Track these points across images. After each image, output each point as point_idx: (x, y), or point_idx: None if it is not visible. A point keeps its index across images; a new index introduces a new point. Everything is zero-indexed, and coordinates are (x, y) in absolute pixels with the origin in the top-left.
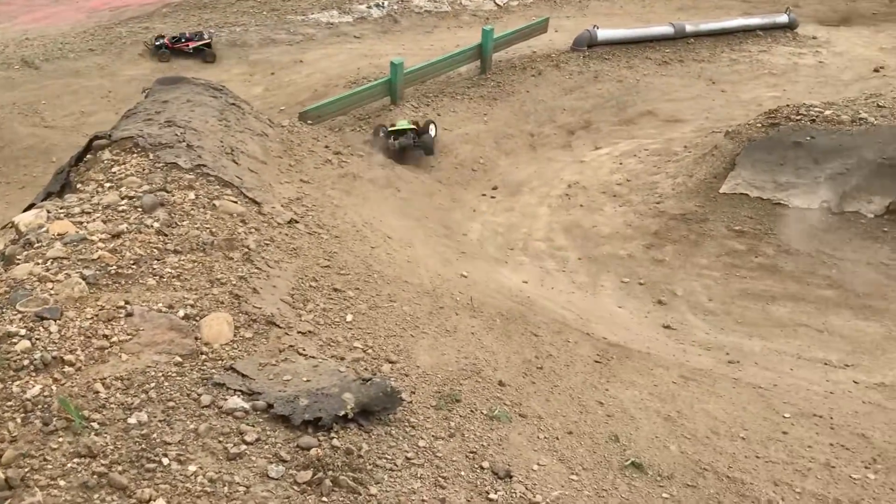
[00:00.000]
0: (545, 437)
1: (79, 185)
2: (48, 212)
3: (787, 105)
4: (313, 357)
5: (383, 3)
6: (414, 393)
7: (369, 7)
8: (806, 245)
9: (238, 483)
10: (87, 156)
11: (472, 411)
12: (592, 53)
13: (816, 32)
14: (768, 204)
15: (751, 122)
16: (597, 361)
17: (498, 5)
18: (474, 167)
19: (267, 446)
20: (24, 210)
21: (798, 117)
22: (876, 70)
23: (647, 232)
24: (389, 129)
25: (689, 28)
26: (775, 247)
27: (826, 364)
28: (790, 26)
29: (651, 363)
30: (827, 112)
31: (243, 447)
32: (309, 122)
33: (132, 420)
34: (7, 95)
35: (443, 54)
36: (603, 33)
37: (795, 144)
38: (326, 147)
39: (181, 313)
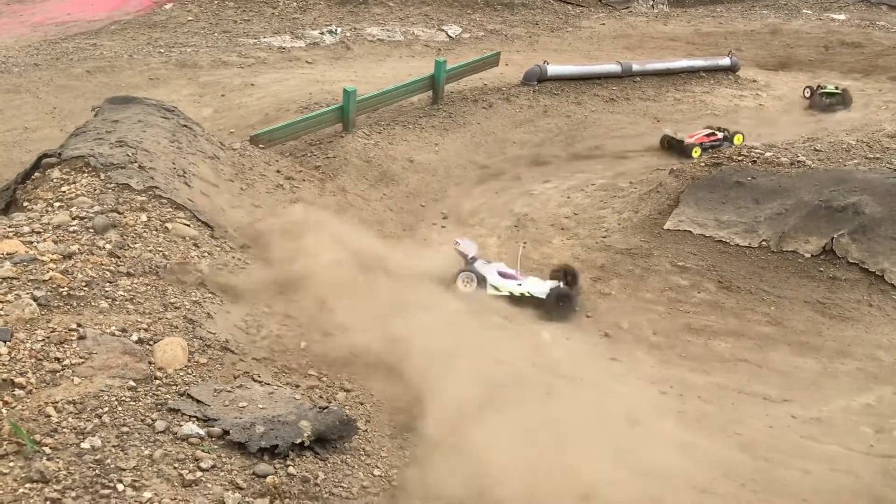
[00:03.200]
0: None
1: (25, 204)
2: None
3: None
4: (268, 384)
5: (336, 30)
6: (369, 421)
7: (322, 33)
8: (746, 282)
9: None
10: (35, 174)
11: (426, 440)
12: (542, 88)
13: (757, 76)
14: (710, 241)
15: (695, 161)
16: (547, 394)
17: (450, 37)
18: (425, 196)
19: (223, 473)
20: None
21: (740, 158)
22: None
23: (593, 265)
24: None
25: (635, 67)
26: (717, 283)
27: (765, 399)
28: (732, 69)
29: (598, 396)
30: (767, 154)
31: (199, 474)
32: (260, 145)
33: (85, 445)
34: None
35: (395, 83)
36: (553, 69)
37: (737, 184)
38: (278, 172)
39: (135, 337)
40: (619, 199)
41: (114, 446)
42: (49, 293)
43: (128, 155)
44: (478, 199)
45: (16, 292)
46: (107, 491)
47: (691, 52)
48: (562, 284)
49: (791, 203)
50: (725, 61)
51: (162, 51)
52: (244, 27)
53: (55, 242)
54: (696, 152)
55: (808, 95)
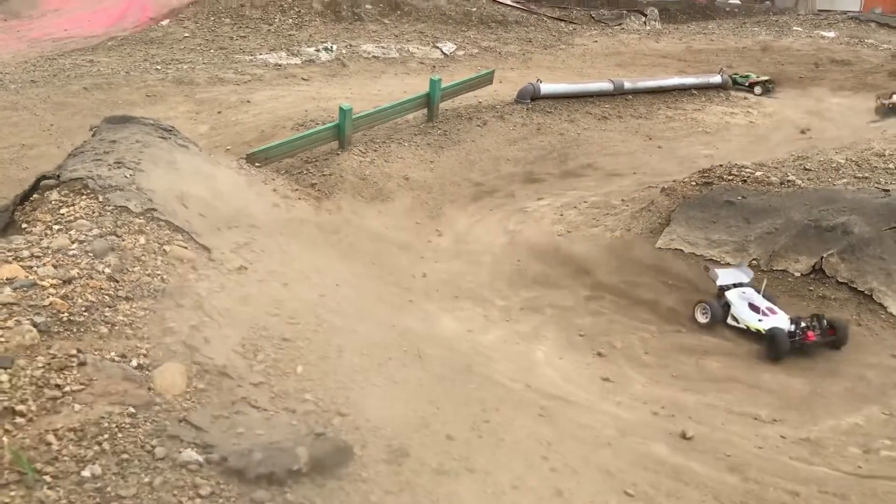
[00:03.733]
0: (492, 492)
1: (24, 226)
2: None
3: (721, 165)
4: (266, 409)
5: (332, 47)
6: (365, 447)
7: (318, 50)
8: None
9: None
10: (34, 195)
11: (421, 465)
12: (536, 106)
13: (748, 93)
14: (701, 260)
15: (685, 179)
16: (540, 415)
17: (445, 54)
18: (420, 214)
19: (221, 500)
20: None
21: (730, 177)
22: (802, 132)
23: (586, 283)
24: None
25: (627, 85)
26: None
27: (755, 419)
28: (723, 86)
29: (592, 417)
30: (758, 173)
31: (198, 501)
32: (257, 164)
33: (86, 473)
34: None
35: (391, 101)
36: (546, 87)
37: (728, 203)
38: (274, 191)
39: (134, 363)
40: (611, 217)
41: (114, 474)
42: (49, 319)
43: (126, 176)
44: (473, 216)
45: (16, 318)
46: None
47: (683, 70)
48: (807, 328)
49: (781, 222)
50: (717, 78)
51: (159, 67)
52: (240, 44)
53: (55, 267)
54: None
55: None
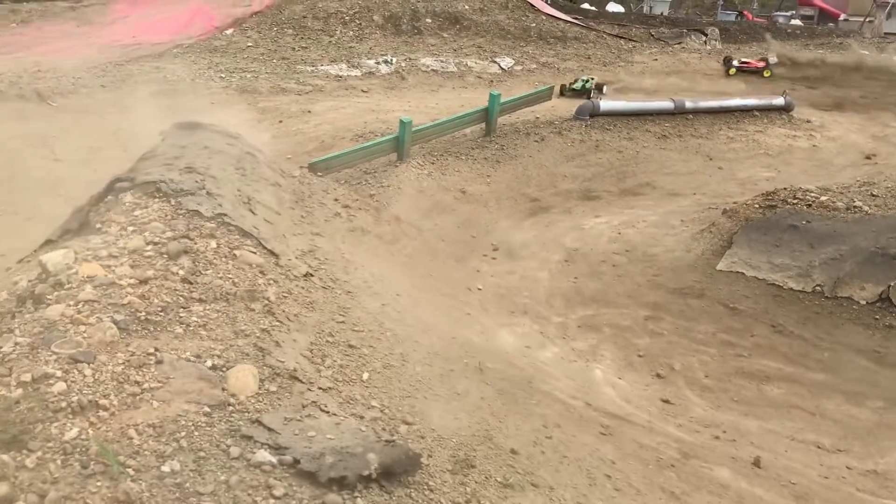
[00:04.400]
0: None
1: (98, 226)
2: (76, 252)
3: (785, 188)
4: (335, 414)
5: (391, 60)
6: (431, 456)
7: (378, 63)
8: (800, 327)
9: None
10: (108, 197)
11: (486, 478)
12: (594, 123)
13: (811, 116)
14: (763, 284)
15: (748, 202)
16: (602, 434)
17: (503, 69)
18: (476, 228)
19: (294, 502)
20: (42, 245)
21: (795, 201)
22: (868, 157)
23: (645, 303)
24: None
25: (688, 104)
26: (770, 327)
27: (819, 447)
28: (786, 109)
29: (654, 438)
30: (823, 198)
31: (272, 501)
32: (318, 173)
33: (165, 468)
34: (19, 127)
35: (449, 115)
36: (605, 104)
37: (792, 227)
38: (336, 200)
39: (209, 363)
40: (670, 237)
41: (192, 470)
42: (128, 317)
43: (196, 181)
44: (528, 231)
45: (97, 315)
46: None
47: (744, 91)
48: None
49: (846, 248)
50: (779, 101)
51: (223, 75)
52: (302, 54)
53: (132, 267)
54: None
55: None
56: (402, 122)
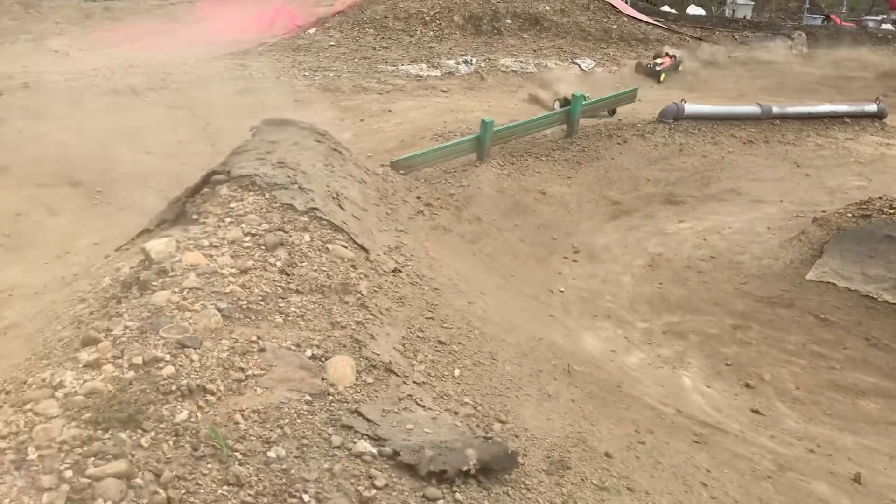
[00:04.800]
0: None
1: (195, 217)
2: (177, 241)
3: (880, 197)
4: (431, 409)
5: (471, 60)
6: (526, 455)
7: (457, 63)
8: None
9: None
10: (205, 189)
11: (582, 480)
12: (678, 126)
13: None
14: (856, 295)
15: (841, 210)
16: (695, 441)
17: (583, 70)
18: (556, 229)
19: (395, 493)
20: (139, 234)
21: (892, 211)
22: None
23: (732, 312)
24: None
25: (775, 109)
26: (864, 340)
27: None
28: (879, 115)
29: (747, 448)
30: None
31: (374, 492)
32: (401, 171)
33: (271, 454)
34: (113, 120)
35: (527, 116)
36: (690, 107)
37: (888, 238)
38: (418, 198)
39: (308, 353)
40: (757, 245)
41: (296, 457)
42: (230, 305)
43: (289, 176)
44: (610, 234)
45: (201, 302)
46: (294, 500)
47: (833, 96)
48: None
49: None
50: (872, 107)
51: (307, 74)
52: (383, 54)
53: (232, 257)
54: (662, 77)
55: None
56: (483, 122)
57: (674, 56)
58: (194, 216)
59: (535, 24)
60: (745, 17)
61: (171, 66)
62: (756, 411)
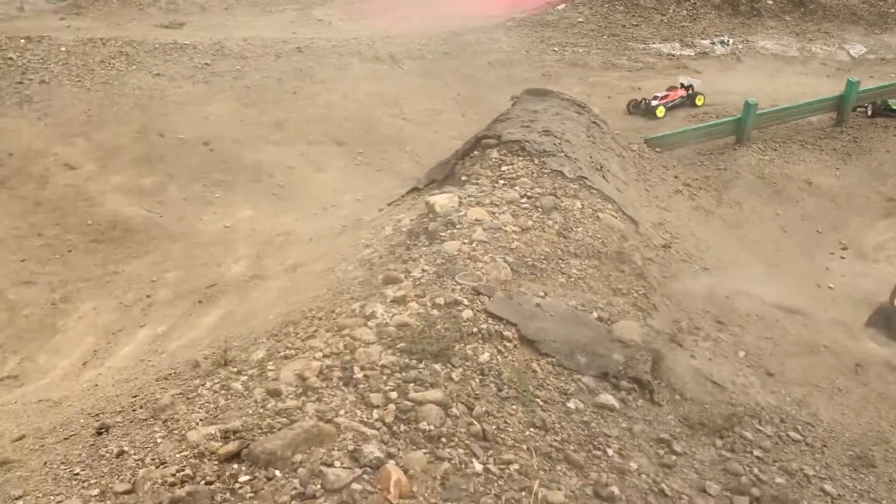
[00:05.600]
0: None
1: (463, 178)
2: (459, 198)
3: None
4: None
5: (727, 41)
6: (825, 447)
7: (713, 43)
8: None
9: (677, 490)
10: (474, 152)
11: (890, 481)
12: None
13: None
14: None
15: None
16: None
17: (852, 57)
18: (822, 222)
19: (695, 462)
20: (409, 191)
21: None
22: None
23: None
24: None
25: None
26: None
27: None
28: None
29: None
30: None
31: (674, 458)
32: (657, 149)
33: (570, 405)
34: (374, 86)
35: (787, 102)
36: None
37: None
38: (676, 177)
39: (595, 315)
40: None
41: (592, 412)
42: (517, 260)
43: (555, 144)
44: (884, 233)
45: (490, 255)
46: (598, 452)
47: None
48: None
49: None
50: None
51: (556, 49)
52: (633, 32)
53: (513, 216)
54: (660, 112)
55: None
56: (747, 103)
57: (689, 87)
58: (463, 177)
59: (800, 6)
60: None
61: (424, 37)
62: None
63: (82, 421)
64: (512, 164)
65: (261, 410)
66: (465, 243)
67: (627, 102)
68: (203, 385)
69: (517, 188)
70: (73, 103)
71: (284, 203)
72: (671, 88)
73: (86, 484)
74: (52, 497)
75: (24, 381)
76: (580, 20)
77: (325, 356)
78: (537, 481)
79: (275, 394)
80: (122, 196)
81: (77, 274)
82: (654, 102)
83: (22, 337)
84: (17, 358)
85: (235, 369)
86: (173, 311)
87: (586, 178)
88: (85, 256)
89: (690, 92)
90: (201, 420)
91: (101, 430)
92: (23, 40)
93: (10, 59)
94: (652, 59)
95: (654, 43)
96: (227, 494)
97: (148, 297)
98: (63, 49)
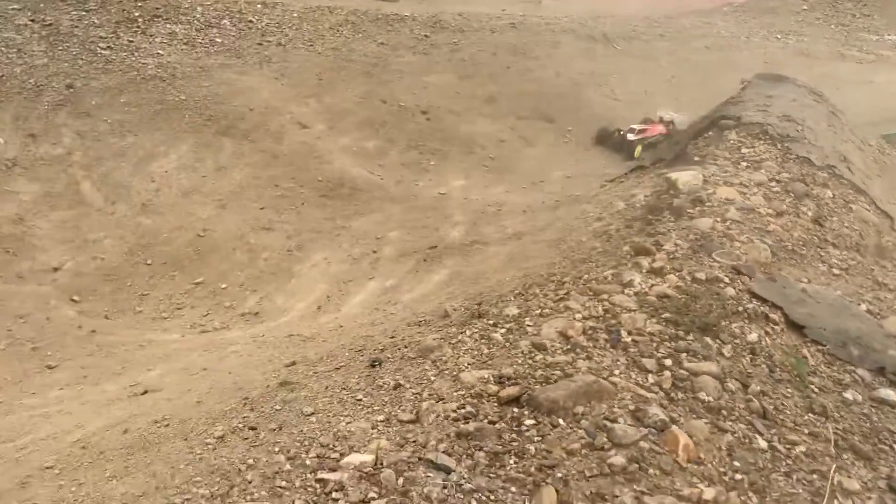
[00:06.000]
0: None
1: (696, 158)
2: (703, 176)
3: None
4: None
5: None
6: None
7: None
8: None
9: None
10: (709, 133)
11: None
12: None
13: None
14: None
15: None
16: None
17: None
18: None
19: None
20: (632, 171)
21: None
22: None
23: None
24: None
25: None
26: None
27: None
28: None
29: None
30: None
31: None
32: None
33: (847, 395)
34: (586, 64)
35: None
36: None
37: None
38: None
39: (863, 307)
40: None
41: (872, 406)
42: (775, 244)
43: (797, 130)
44: None
45: (746, 235)
46: (885, 447)
47: None
48: None
49: None
50: None
51: (778, 37)
52: (863, 22)
53: (764, 198)
54: (637, 152)
55: None
56: None
57: (670, 122)
58: (696, 157)
59: None
60: None
61: (637, 18)
62: None
63: (346, 354)
64: (752, 147)
65: (530, 361)
66: (718, 221)
67: (598, 129)
68: (462, 332)
69: (762, 171)
70: (305, 66)
71: (495, 175)
72: (647, 121)
73: (370, 409)
74: (341, 417)
75: (263, 318)
76: (804, 8)
77: (584, 318)
78: (834, 465)
79: (541, 348)
80: (349, 157)
81: (309, 226)
82: (629, 136)
83: (260, 278)
84: (257, 297)
85: (491, 321)
86: (399, 268)
87: (835, 167)
88: (316, 210)
89: (671, 128)
90: (469, 364)
91: (375, 363)
92: (259, 5)
93: (251, 21)
94: (886, 51)
95: (889, 34)
96: (514, 435)
97: (374, 252)
98: (295, 15)
